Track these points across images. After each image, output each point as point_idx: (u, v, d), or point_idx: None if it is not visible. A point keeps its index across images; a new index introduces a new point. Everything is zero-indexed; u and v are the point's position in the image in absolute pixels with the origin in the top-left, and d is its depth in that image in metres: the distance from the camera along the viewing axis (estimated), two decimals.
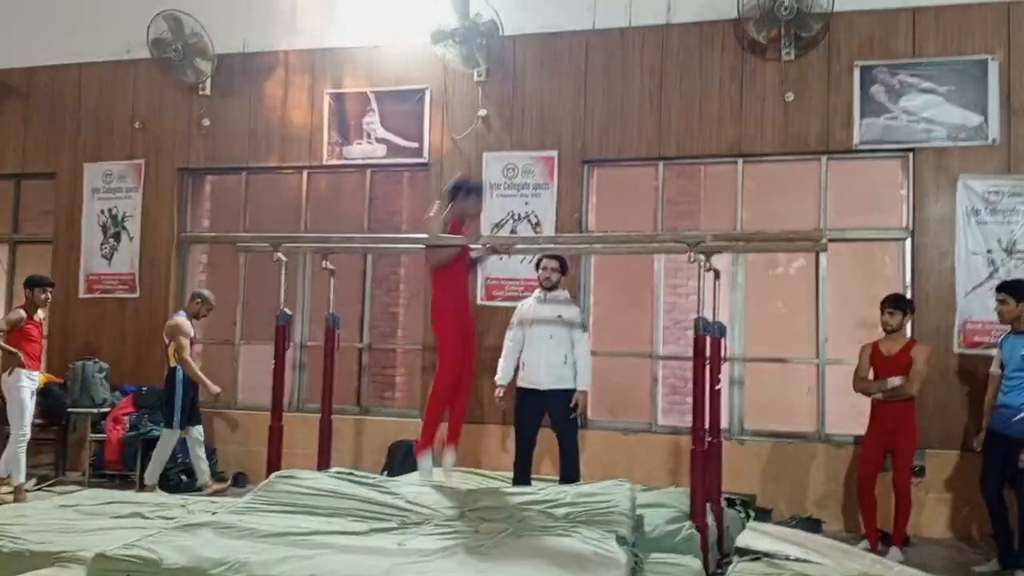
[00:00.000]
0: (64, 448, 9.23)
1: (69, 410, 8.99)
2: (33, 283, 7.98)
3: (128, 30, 9.52)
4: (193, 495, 7.28)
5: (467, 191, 5.93)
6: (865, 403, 7.00)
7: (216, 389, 8.21)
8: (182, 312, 8.38)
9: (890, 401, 6.74)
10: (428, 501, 5.22)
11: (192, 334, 8.28)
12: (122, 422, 8.84)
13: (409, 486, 5.64)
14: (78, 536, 5.07)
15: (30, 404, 7.85)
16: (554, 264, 6.85)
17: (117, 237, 9.68)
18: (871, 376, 6.91)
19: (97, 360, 9.18)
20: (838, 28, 7.82)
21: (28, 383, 7.82)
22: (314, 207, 9.43)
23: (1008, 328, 6.55)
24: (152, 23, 9.20)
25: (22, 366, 7.74)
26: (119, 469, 8.72)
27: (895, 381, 6.69)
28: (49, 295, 8.10)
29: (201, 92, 9.46)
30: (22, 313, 7.90)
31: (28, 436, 7.84)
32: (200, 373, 8.20)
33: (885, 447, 6.80)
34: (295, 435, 7.98)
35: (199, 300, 8.37)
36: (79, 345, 9.56)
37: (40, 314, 8.10)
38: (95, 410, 8.94)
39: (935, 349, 7.12)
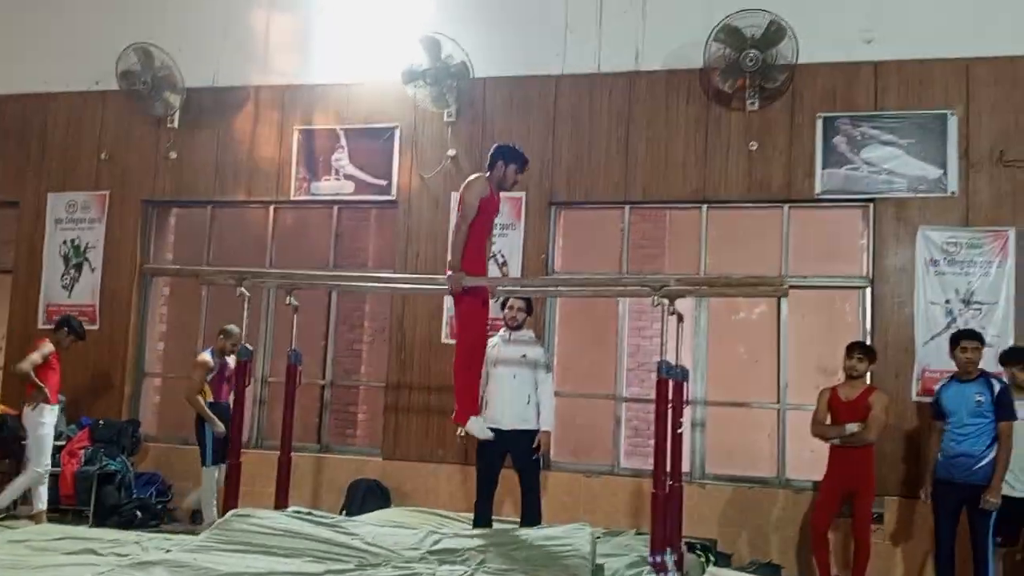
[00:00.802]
0: None
1: (23, 442, 8.80)
2: (67, 324, 8.25)
3: (98, 61, 9.49)
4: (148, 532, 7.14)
5: (507, 160, 5.75)
6: (826, 451, 7.05)
7: (220, 428, 7.98)
8: (209, 349, 8.26)
9: (848, 447, 6.79)
10: (386, 542, 5.17)
11: (212, 370, 8.11)
12: (77, 456, 8.68)
13: (368, 526, 5.58)
14: (28, 573, 4.95)
15: (50, 441, 8.03)
16: (520, 304, 6.86)
17: (79, 268, 9.58)
18: (828, 421, 6.97)
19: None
20: (802, 80, 7.99)
21: (50, 418, 7.99)
22: (280, 242, 9.40)
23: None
24: (122, 55, 9.20)
25: (47, 402, 7.89)
26: (73, 504, 8.54)
27: (852, 427, 6.75)
28: (75, 342, 8.30)
29: (169, 125, 9.44)
30: (51, 347, 8.08)
31: (46, 474, 8.02)
32: (207, 411, 8.01)
33: (842, 493, 6.85)
34: (254, 472, 7.88)
35: (222, 335, 8.22)
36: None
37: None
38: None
39: (893, 398, 7.21)
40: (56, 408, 8.08)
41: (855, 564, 6.79)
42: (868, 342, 7.60)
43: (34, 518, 7.87)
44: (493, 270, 6.14)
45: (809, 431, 7.11)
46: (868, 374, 7.14)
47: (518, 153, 5.81)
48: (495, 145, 5.92)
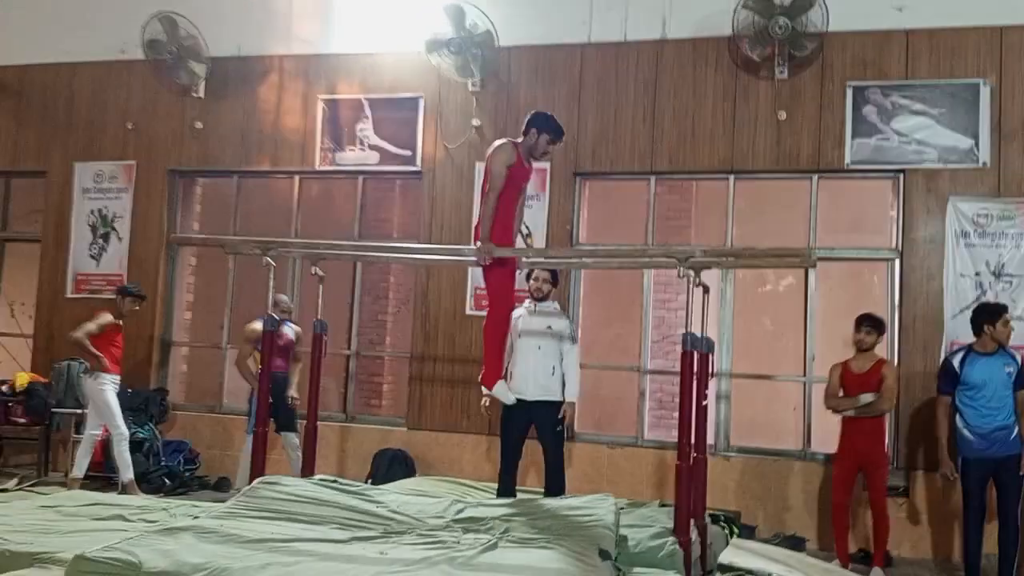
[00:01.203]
0: (47, 448, 9.16)
1: (53, 410, 8.93)
2: (124, 292, 8.23)
3: (123, 31, 9.51)
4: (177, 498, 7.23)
5: (540, 128, 5.61)
6: None
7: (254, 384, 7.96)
8: (262, 318, 8.27)
9: (862, 419, 6.75)
10: (411, 510, 5.20)
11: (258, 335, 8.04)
12: None
13: (393, 495, 5.62)
14: (58, 537, 5.04)
15: (116, 403, 8.04)
16: (546, 275, 6.83)
17: (106, 237, 9.65)
18: (841, 395, 6.92)
19: (83, 361, 9.11)
20: (831, 48, 7.87)
21: (111, 384, 8.03)
22: (305, 212, 9.42)
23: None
24: (147, 24, 9.20)
25: (104, 370, 7.96)
26: (102, 471, 8.62)
27: (867, 397, 6.71)
28: (138, 307, 8.31)
29: (194, 95, 9.44)
30: (110, 317, 8.11)
31: (127, 434, 8.09)
32: (249, 378, 7.90)
33: (858, 466, 6.80)
34: (281, 441, 7.98)
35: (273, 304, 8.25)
36: (65, 345, 9.48)
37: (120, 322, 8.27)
38: (79, 411, 8.87)
39: (921, 371, 7.17)
40: (115, 377, 8.12)
41: (875, 535, 6.77)
42: (896, 315, 7.54)
43: (68, 484, 7.97)
44: (518, 241, 6.06)
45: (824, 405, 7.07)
46: (877, 346, 7.00)
47: (553, 123, 5.67)
48: (533, 111, 5.77)
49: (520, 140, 5.64)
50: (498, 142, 5.64)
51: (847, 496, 6.85)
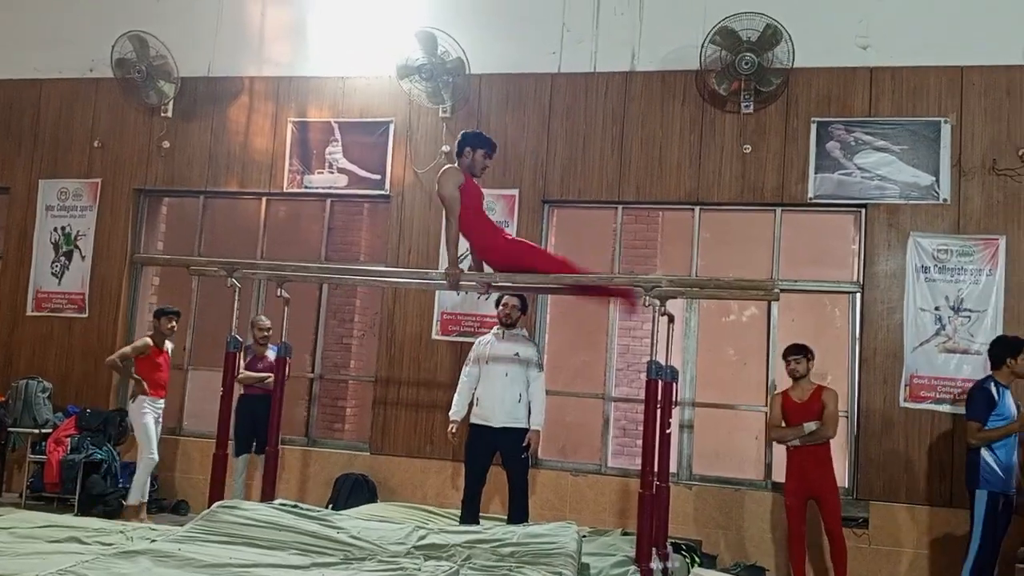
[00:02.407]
0: (2, 468, 8.99)
1: (9, 429, 8.79)
2: (159, 313, 8.24)
3: (92, 48, 9.47)
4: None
5: (475, 146, 5.75)
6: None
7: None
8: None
9: (808, 447, 6.80)
10: (372, 536, 5.15)
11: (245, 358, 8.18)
12: (64, 444, 8.65)
13: (354, 520, 5.57)
14: (11, 560, 4.92)
15: (155, 429, 8.09)
16: (515, 302, 6.87)
17: (69, 256, 9.55)
18: (784, 425, 6.96)
19: (41, 379, 9.01)
20: (797, 84, 8.01)
21: (151, 409, 8.08)
22: (271, 234, 9.38)
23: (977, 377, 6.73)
24: (117, 43, 9.17)
25: (145, 393, 7.99)
26: (58, 492, 8.51)
27: (811, 426, 6.78)
28: (175, 325, 8.29)
29: (163, 114, 9.41)
30: (148, 341, 8.16)
31: (156, 461, 8.10)
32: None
33: (808, 495, 6.85)
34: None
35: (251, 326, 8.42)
36: (23, 363, 9.39)
37: (168, 344, 8.31)
38: (36, 430, 8.76)
39: (880, 404, 7.26)
40: (157, 401, 8.13)
41: (835, 562, 6.82)
42: (857, 347, 7.66)
43: (128, 511, 7.90)
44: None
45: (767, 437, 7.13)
46: (809, 373, 7.04)
47: (484, 138, 5.82)
48: (460, 133, 5.91)
49: (458, 163, 5.72)
50: (442, 169, 5.72)
51: (802, 525, 6.89)
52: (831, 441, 6.88)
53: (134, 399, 8.09)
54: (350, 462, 8.63)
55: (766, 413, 7.79)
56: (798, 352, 6.97)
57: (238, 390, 7.96)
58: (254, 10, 9.47)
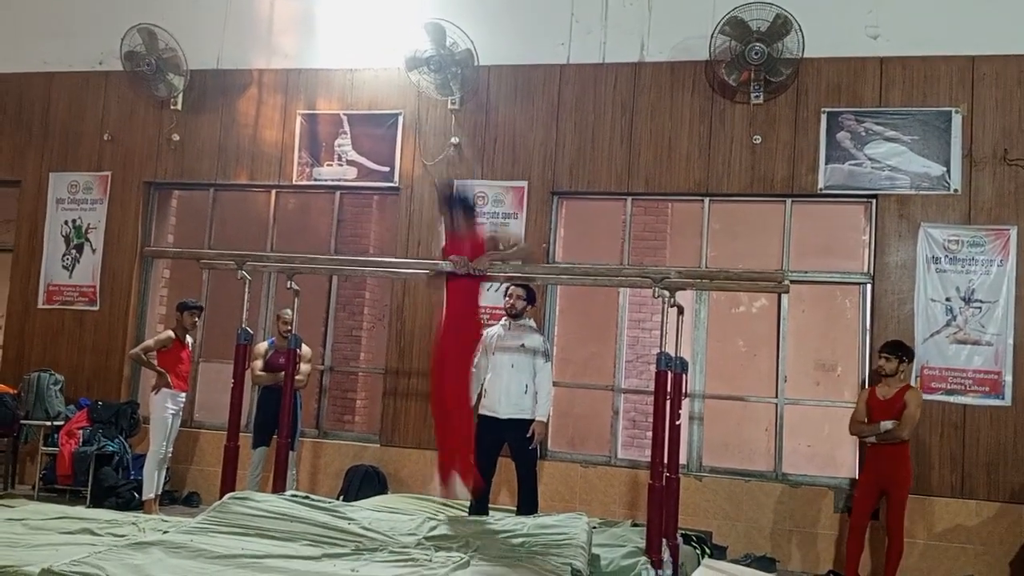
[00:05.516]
0: (14, 460, 9.05)
1: (22, 422, 8.84)
2: (182, 307, 8.22)
3: (101, 41, 9.49)
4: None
5: (452, 208, 5.73)
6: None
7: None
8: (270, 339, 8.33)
9: (883, 445, 6.83)
10: (383, 527, 5.18)
11: (262, 354, 8.09)
12: (76, 436, 8.68)
13: (365, 511, 5.59)
14: (24, 551, 4.95)
15: (172, 424, 8.10)
16: (520, 292, 6.85)
17: (80, 248, 9.58)
18: (866, 420, 6.97)
19: (53, 372, 9.05)
20: (807, 74, 7.97)
21: (172, 404, 8.07)
22: (281, 227, 9.39)
23: None
24: (126, 36, 9.18)
25: (168, 386, 8.00)
26: (70, 484, 8.56)
27: (886, 425, 6.80)
28: (197, 319, 8.34)
29: (172, 107, 9.42)
30: (171, 335, 8.17)
31: (164, 454, 8.08)
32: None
33: (879, 490, 6.89)
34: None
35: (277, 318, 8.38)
36: (35, 356, 9.43)
37: (189, 339, 8.36)
38: (48, 423, 8.80)
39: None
40: (179, 395, 8.12)
41: (888, 557, 6.82)
42: (867, 338, 7.64)
43: (146, 504, 7.92)
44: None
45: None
46: (901, 373, 7.01)
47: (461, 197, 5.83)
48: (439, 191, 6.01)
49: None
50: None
51: (864, 519, 6.92)
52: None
53: (157, 391, 8.05)
54: (360, 454, 8.65)
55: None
56: (890, 350, 6.97)
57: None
58: (263, 2, 9.46)
